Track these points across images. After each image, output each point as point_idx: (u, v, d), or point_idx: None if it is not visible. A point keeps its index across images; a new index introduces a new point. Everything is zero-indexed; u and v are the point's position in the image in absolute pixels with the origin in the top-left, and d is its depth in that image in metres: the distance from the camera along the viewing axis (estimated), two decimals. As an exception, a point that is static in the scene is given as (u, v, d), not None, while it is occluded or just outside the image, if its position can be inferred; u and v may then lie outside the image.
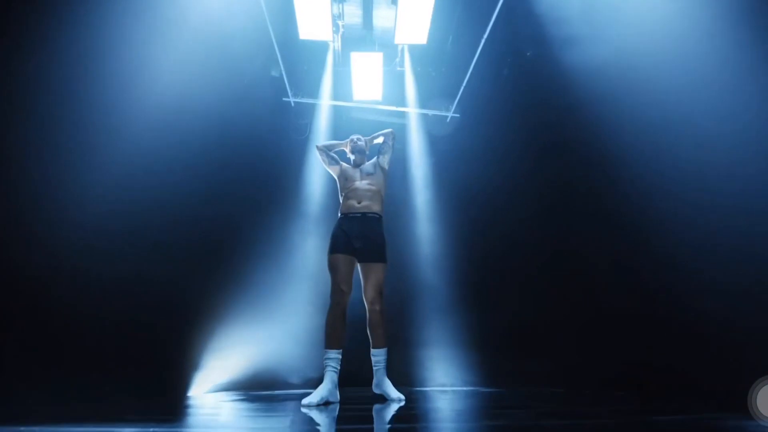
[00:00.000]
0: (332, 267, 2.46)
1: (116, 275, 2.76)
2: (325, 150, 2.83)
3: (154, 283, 3.12)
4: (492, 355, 3.75)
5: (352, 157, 2.84)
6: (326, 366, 2.31)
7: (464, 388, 3.64)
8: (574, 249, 3.52)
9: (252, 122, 4.39)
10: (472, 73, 4.22)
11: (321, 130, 4.45)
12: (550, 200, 3.84)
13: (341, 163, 2.82)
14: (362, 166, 2.76)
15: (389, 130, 2.87)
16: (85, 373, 2.52)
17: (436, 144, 4.67)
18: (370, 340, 2.48)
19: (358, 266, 2.52)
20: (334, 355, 2.31)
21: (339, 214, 2.63)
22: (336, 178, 2.80)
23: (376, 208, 2.60)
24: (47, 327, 2.52)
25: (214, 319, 3.51)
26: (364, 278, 2.50)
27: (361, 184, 2.64)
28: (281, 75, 4.35)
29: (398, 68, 4.61)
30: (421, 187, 4.46)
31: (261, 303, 3.75)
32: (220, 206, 3.95)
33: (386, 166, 2.79)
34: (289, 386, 3.74)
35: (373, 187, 2.64)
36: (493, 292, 4.02)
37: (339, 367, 2.32)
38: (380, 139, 2.86)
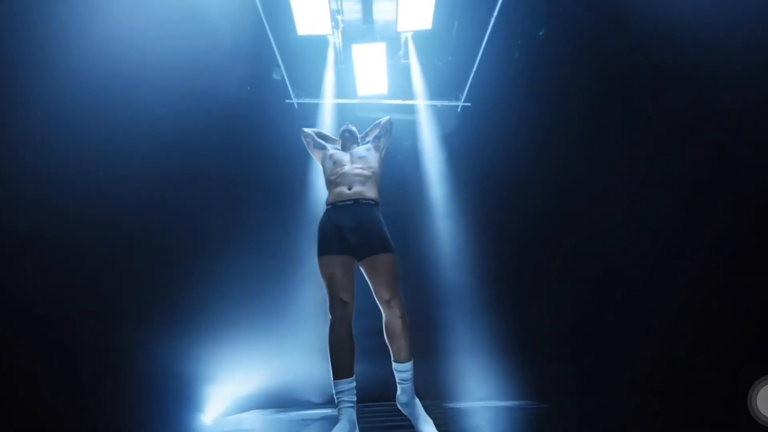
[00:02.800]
0: (325, 273, 1.98)
1: (115, 284, 2.69)
2: (312, 134, 2.50)
3: (155, 293, 3.05)
4: (532, 362, 3.39)
5: (339, 143, 2.50)
6: (339, 402, 1.86)
7: (505, 404, 3.21)
8: (614, 238, 3.22)
9: (255, 127, 4.32)
10: (481, 59, 3.99)
11: (326, 130, 4.26)
12: (578, 186, 3.56)
13: (329, 148, 2.45)
14: (353, 150, 2.37)
15: (386, 117, 2.53)
16: (92, 400, 2.40)
17: (448, 135, 4.44)
18: (391, 353, 2.02)
19: (360, 266, 2.05)
20: (347, 387, 1.87)
21: (326, 206, 2.20)
22: (321, 163, 2.41)
23: (370, 194, 2.15)
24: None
25: (222, 334, 3.34)
26: (370, 278, 2.01)
27: (352, 168, 2.24)
28: (283, 77, 4.21)
29: (402, 61, 4.41)
30: (435, 181, 4.21)
31: (272, 313, 3.55)
32: (226, 212, 3.88)
33: (382, 151, 2.41)
34: (311, 405, 3.50)
35: (365, 171, 2.21)
36: (526, 290, 3.73)
37: (355, 399, 1.89)
38: (375, 132, 2.52)
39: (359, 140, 2.52)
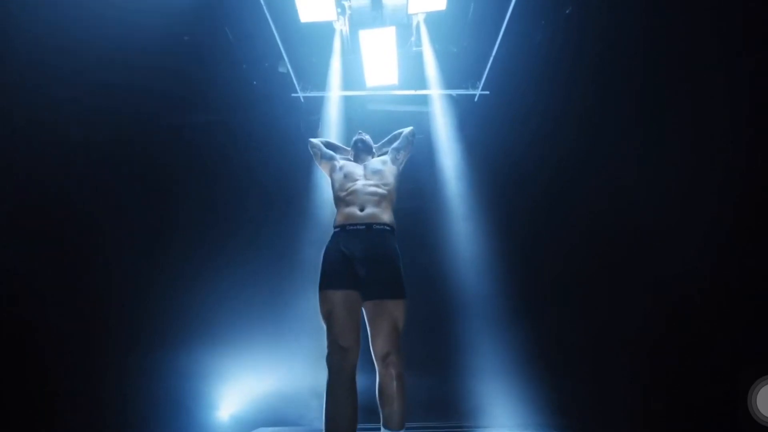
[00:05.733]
0: (325, 310, 1.70)
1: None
2: (319, 144, 2.23)
3: (148, 299, 3.04)
4: (572, 385, 3.05)
5: (351, 154, 2.25)
6: None
7: None
8: (654, 239, 2.90)
9: (261, 124, 4.17)
10: (500, 43, 3.66)
11: (332, 124, 4.02)
12: (611, 183, 3.23)
13: (339, 159, 2.18)
14: (367, 162, 2.11)
15: (409, 128, 2.27)
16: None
17: (465, 127, 4.12)
18: (381, 416, 1.71)
19: (363, 306, 1.76)
20: None
21: (333, 228, 1.92)
22: (330, 175, 2.14)
23: (385, 217, 1.89)
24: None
25: (217, 343, 3.26)
26: (371, 323, 1.74)
27: (365, 184, 1.96)
28: (288, 70, 4.00)
29: (414, 48, 4.11)
30: (451, 178, 3.89)
31: (271, 324, 3.35)
32: (230, 214, 3.82)
33: (400, 166, 2.15)
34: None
35: (380, 190, 1.94)
36: (558, 300, 3.37)
37: None
38: (394, 143, 2.24)
39: (374, 150, 2.26)
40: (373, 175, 2.01)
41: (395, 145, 2.20)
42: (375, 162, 2.10)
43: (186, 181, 3.90)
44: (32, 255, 3.31)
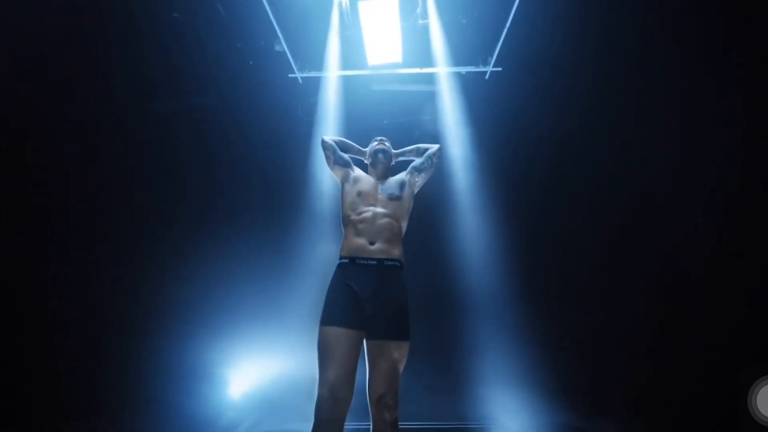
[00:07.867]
0: (324, 347, 1.59)
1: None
2: (334, 146, 2.07)
3: (147, 295, 3.10)
4: (572, 384, 2.88)
5: (367, 158, 2.11)
6: None
7: None
8: (655, 240, 2.73)
9: (257, 107, 3.97)
10: (515, 14, 3.32)
11: (331, 107, 3.76)
12: (629, 171, 2.97)
13: (354, 167, 2.04)
14: (385, 183, 1.96)
15: (436, 145, 2.12)
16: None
17: (475, 110, 3.82)
18: None
19: (365, 344, 1.66)
20: None
21: (340, 258, 1.78)
22: (341, 183, 2.01)
23: (396, 252, 1.80)
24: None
25: (217, 338, 3.20)
26: (371, 363, 1.66)
27: (379, 213, 1.83)
28: (284, 49, 3.73)
29: (420, 21, 3.78)
30: (459, 167, 3.64)
31: (264, 319, 3.26)
32: (229, 205, 3.72)
33: (416, 189, 2.04)
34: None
35: (394, 224, 1.84)
36: (559, 300, 3.18)
37: None
38: (416, 160, 2.08)
39: (393, 159, 2.12)
40: (390, 201, 1.89)
41: (416, 164, 2.07)
42: (392, 184, 1.96)
43: (182, 173, 3.76)
44: (32, 252, 3.27)
